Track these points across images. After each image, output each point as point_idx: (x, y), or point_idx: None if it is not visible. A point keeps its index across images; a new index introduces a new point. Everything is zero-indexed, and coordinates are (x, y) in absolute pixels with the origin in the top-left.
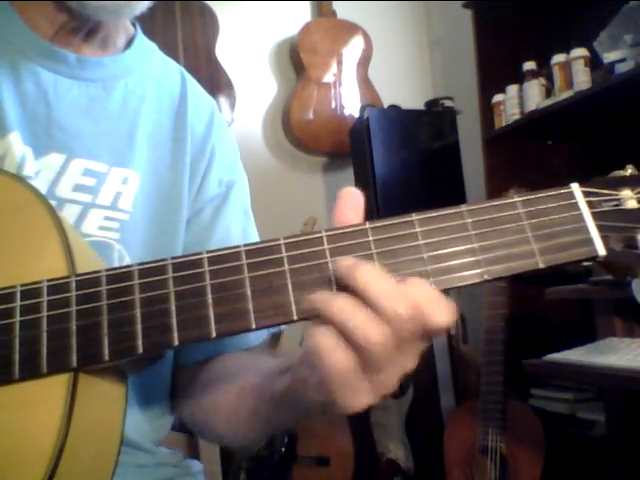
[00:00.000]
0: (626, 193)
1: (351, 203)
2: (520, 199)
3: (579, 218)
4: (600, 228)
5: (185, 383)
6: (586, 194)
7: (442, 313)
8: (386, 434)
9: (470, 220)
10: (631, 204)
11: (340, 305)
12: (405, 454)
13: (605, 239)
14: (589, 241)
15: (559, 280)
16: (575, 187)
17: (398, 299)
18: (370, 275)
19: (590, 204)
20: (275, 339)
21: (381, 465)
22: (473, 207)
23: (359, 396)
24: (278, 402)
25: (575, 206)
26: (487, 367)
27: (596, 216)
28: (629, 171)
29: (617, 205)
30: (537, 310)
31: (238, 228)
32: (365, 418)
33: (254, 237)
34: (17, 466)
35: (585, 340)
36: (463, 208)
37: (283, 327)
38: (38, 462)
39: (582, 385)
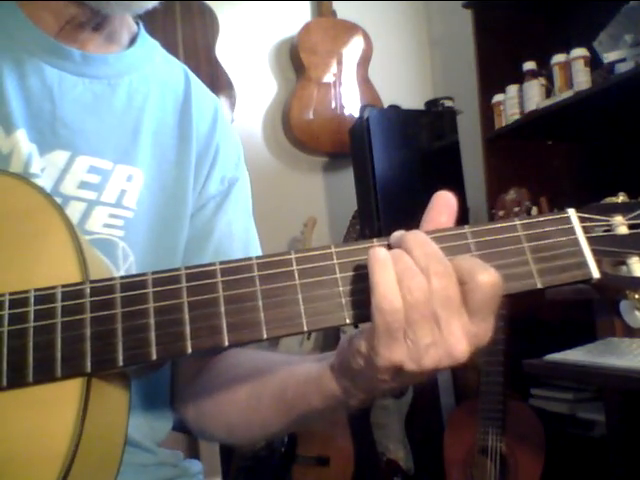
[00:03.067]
0: (618, 219)
1: (445, 208)
2: (520, 222)
3: (575, 242)
4: (594, 252)
5: (187, 378)
6: (582, 219)
7: (485, 273)
8: (386, 434)
9: (473, 241)
10: (622, 230)
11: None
12: (405, 454)
13: (599, 263)
14: (584, 264)
15: None
16: (572, 212)
17: (438, 258)
18: (416, 239)
19: (585, 229)
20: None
21: (381, 465)
22: (476, 229)
23: (397, 348)
24: (312, 385)
25: (571, 230)
26: (487, 367)
27: (591, 241)
28: (620, 198)
29: (609, 230)
30: (537, 310)
31: (240, 223)
32: (365, 418)
33: (254, 237)
34: (31, 468)
35: (585, 340)
36: (466, 229)
37: None
38: (52, 464)
39: (582, 385)
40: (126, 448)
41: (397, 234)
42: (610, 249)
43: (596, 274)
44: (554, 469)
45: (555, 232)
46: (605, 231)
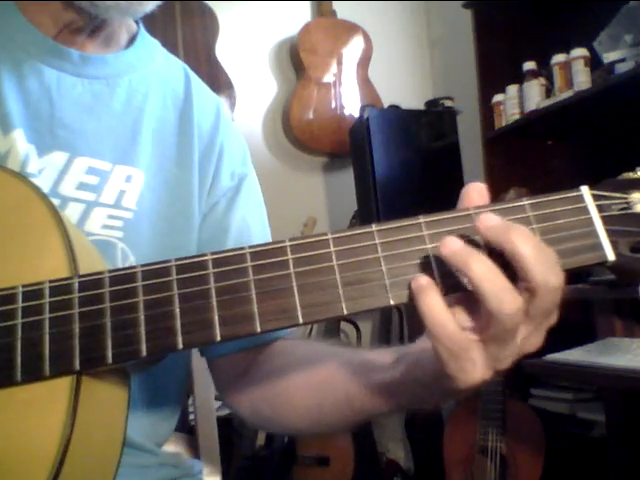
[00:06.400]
0: (636, 196)
1: (478, 196)
2: (529, 202)
3: (589, 222)
4: (609, 233)
5: (237, 372)
6: (596, 197)
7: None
8: (386, 434)
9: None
10: None
11: (481, 265)
12: (405, 454)
13: (614, 244)
14: (598, 246)
15: None
16: (585, 190)
17: (551, 268)
18: (524, 237)
19: (600, 208)
20: None
21: (381, 465)
22: (481, 210)
23: (475, 370)
24: (378, 391)
25: (585, 210)
26: None
27: (605, 220)
28: (639, 173)
29: (626, 209)
30: None
31: (255, 217)
32: None
33: (268, 230)
34: (19, 469)
35: (585, 340)
36: (471, 211)
37: None
38: (41, 465)
39: (582, 385)
40: (127, 450)
41: (495, 221)
42: (627, 229)
43: (611, 256)
44: (554, 469)
45: (566, 212)
46: (621, 209)
